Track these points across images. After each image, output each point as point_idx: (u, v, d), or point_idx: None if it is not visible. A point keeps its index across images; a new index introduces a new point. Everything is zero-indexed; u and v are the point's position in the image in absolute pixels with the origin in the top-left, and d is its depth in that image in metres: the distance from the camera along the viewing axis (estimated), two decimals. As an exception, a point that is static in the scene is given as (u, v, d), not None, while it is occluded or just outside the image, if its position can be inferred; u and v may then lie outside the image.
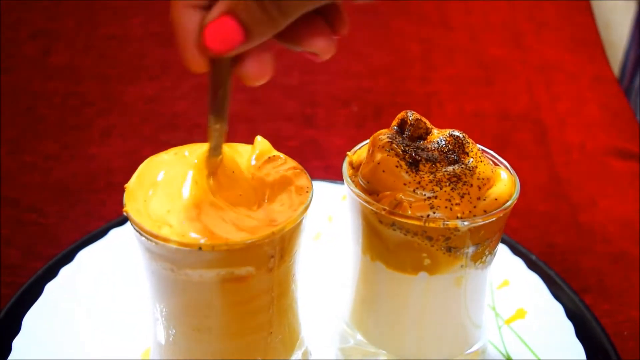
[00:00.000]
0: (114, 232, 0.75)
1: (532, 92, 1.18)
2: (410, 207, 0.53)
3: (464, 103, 1.13)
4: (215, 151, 0.51)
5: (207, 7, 0.43)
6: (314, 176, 0.88)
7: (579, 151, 1.05)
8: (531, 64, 1.25)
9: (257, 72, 0.45)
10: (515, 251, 0.77)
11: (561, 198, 0.95)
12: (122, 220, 0.78)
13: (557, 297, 0.71)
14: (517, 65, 1.24)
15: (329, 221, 0.82)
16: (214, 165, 0.51)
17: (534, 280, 0.73)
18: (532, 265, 0.76)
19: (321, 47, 0.45)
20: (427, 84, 1.17)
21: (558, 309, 0.69)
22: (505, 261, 0.75)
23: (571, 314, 0.69)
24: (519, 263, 0.75)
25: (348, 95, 1.13)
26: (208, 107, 0.48)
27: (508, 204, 0.55)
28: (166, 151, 0.56)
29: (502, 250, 0.77)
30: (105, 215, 0.86)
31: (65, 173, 0.95)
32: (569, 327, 0.67)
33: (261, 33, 0.42)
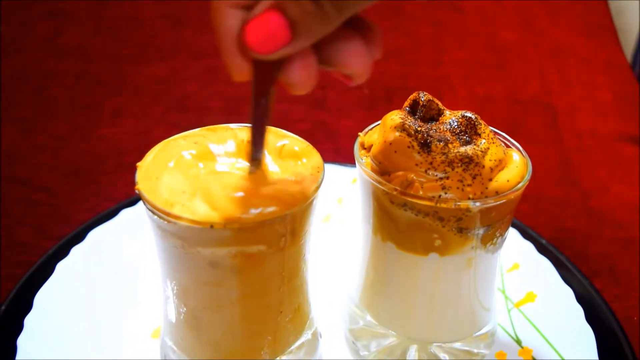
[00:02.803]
0: (125, 212, 0.75)
1: (544, 76, 1.17)
2: (422, 187, 0.53)
3: (475, 87, 1.12)
4: (256, 162, 0.50)
5: (252, 8, 0.40)
6: (324, 159, 0.89)
7: (590, 136, 1.04)
8: (543, 48, 1.24)
9: (304, 79, 0.42)
10: (526, 235, 0.77)
11: (572, 183, 0.94)
12: (133, 200, 0.78)
13: (567, 281, 0.71)
14: (529, 49, 1.23)
15: (339, 204, 0.82)
16: (254, 163, 0.50)
17: (544, 264, 0.73)
18: (542, 249, 0.75)
19: (358, 68, 0.43)
20: (438, 68, 1.16)
21: (568, 292, 0.69)
22: (515, 245, 0.75)
23: (581, 298, 0.69)
24: (529, 247, 0.75)
25: (358, 78, 1.13)
26: (250, 117, 0.46)
27: (520, 185, 0.55)
28: (184, 135, 0.56)
29: (513, 234, 0.76)
30: (115, 195, 0.87)
31: (75, 153, 0.95)
32: (578, 311, 0.67)
33: (311, 32, 0.39)
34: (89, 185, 0.89)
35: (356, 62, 0.42)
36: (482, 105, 1.08)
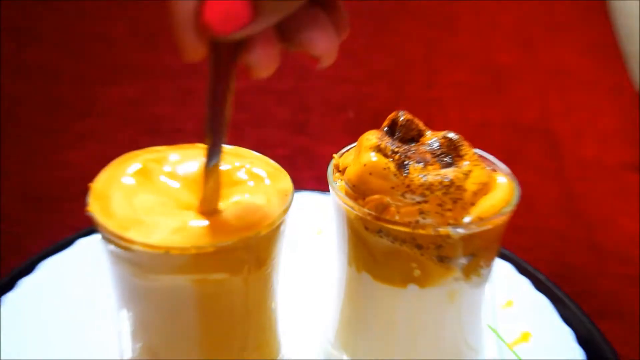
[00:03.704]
0: (81, 242, 0.75)
1: (544, 100, 1.18)
2: (398, 212, 0.54)
3: (470, 111, 1.13)
4: (213, 162, 0.49)
5: None
6: (305, 187, 0.89)
7: (594, 165, 1.05)
8: (543, 69, 1.25)
9: (266, 61, 0.42)
10: (522, 270, 0.77)
11: (575, 215, 0.95)
12: (92, 229, 0.78)
13: (567, 320, 0.71)
14: (528, 71, 1.25)
15: (319, 234, 0.82)
16: (211, 178, 0.50)
17: (542, 302, 0.73)
18: (540, 285, 0.75)
19: (324, 49, 0.43)
20: (429, 90, 1.17)
21: (567, 333, 0.69)
22: (509, 280, 0.75)
23: (582, 340, 0.68)
24: (525, 283, 0.75)
25: (344, 100, 1.14)
26: (206, 109, 0.45)
27: (505, 210, 0.55)
28: (143, 150, 0.57)
29: (507, 269, 0.77)
30: (78, 225, 0.87)
31: (37, 180, 0.95)
32: (579, 354, 0.66)
33: (274, 10, 0.39)
34: (52, 214, 0.89)
35: (322, 42, 0.43)
36: (477, 130, 1.09)
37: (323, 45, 0.43)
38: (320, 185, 0.94)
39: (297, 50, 0.44)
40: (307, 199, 0.84)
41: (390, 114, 0.61)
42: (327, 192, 0.88)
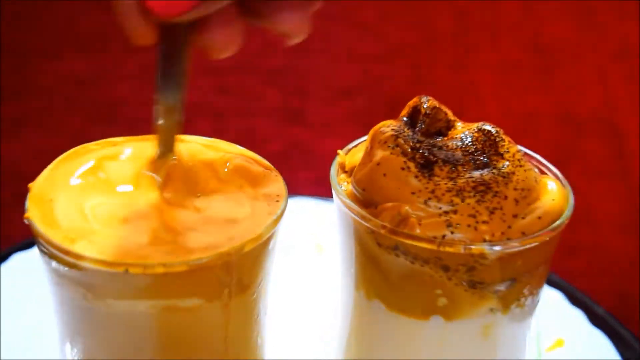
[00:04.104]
0: (17, 258, 0.76)
1: (606, 86, 1.18)
2: (420, 224, 0.54)
3: (511, 99, 1.13)
4: (165, 151, 0.51)
5: None
6: (302, 192, 0.89)
7: (669, 168, 1.05)
8: (605, 48, 1.25)
9: (225, 39, 0.45)
10: (575, 301, 0.78)
11: (645, 232, 0.95)
12: (30, 242, 0.78)
13: (630, 364, 0.71)
14: (586, 48, 1.25)
15: (318, 252, 0.83)
16: (162, 169, 0.52)
17: (599, 341, 0.74)
18: (597, 320, 0.76)
19: (292, 24, 0.46)
20: (461, 72, 1.17)
21: (630, 380, 0.70)
22: (560, 313, 0.76)
23: (649, 389, 0.69)
24: (579, 316, 0.76)
25: (351, 83, 1.15)
26: (156, 92, 0.48)
27: (556, 224, 0.55)
28: (94, 143, 0.58)
29: (556, 299, 0.77)
30: (12, 234, 0.87)
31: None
32: (643, 405, 0.67)
33: None
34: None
35: (290, 15, 0.45)
36: (520, 123, 1.09)
37: (290, 20, 0.45)
38: (321, 189, 0.94)
39: (262, 25, 0.46)
40: (303, 206, 0.85)
41: (410, 100, 0.62)
42: (330, 198, 0.88)
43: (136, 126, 1.03)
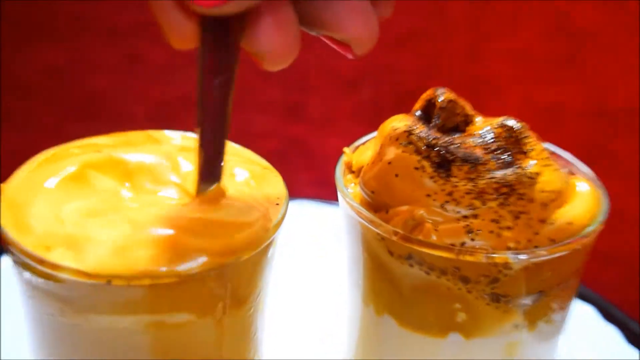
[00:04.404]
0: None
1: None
2: (437, 230, 0.53)
3: (535, 91, 1.13)
4: (209, 180, 0.50)
5: None
6: (302, 194, 0.90)
7: None
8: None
9: (278, 45, 0.42)
10: (609, 316, 0.78)
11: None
12: (0, 249, 0.78)
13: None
14: (618, 35, 1.24)
15: (320, 260, 0.82)
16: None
17: (635, 360, 0.74)
18: (633, 338, 0.76)
19: (358, 31, 0.43)
20: (477, 62, 1.17)
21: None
22: (592, 331, 0.76)
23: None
24: (613, 334, 0.76)
25: (356, 73, 1.14)
26: (198, 111, 0.46)
27: (589, 230, 0.55)
28: (75, 145, 0.58)
29: (588, 314, 0.77)
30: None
31: None
32: None
33: None
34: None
35: (355, 21, 0.43)
36: (544, 118, 1.09)
37: (355, 27, 0.43)
38: (322, 191, 0.95)
39: (322, 34, 0.45)
40: (304, 210, 0.84)
41: (423, 92, 0.61)
42: (333, 201, 0.88)
43: (119, 123, 1.04)
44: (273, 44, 0.43)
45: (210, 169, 0.50)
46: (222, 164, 0.50)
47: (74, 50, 1.17)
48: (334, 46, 0.46)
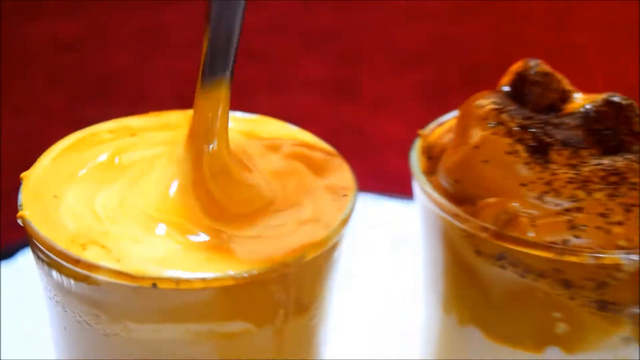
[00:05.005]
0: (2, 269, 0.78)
1: None
2: (534, 225, 0.53)
3: (630, 64, 1.12)
4: (216, 71, 0.50)
5: None
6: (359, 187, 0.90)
7: None
8: None
9: None
10: None
11: None
12: (20, 245, 0.79)
13: None
14: None
15: (384, 262, 0.83)
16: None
17: None
18: None
19: None
20: (560, 32, 1.17)
21: None
22: None
23: None
24: None
25: (418, 48, 1.14)
26: (204, 50, 0.47)
27: None
28: (109, 125, 0.59)
29: None
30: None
31: None
32: None
33: None
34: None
35: None
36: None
37: None
38: (381, 184, 0.95)
39: None
40: (365, 206, 0.84)
41: (491, 71, 0.62)
42: (393, 196, 0.88)
43: (137, 105, 1.05)
44: None
45: (219, 55, 0.50)
46: (232, 52, 0.50)
47: (88, 23, 1.18)
48: None
